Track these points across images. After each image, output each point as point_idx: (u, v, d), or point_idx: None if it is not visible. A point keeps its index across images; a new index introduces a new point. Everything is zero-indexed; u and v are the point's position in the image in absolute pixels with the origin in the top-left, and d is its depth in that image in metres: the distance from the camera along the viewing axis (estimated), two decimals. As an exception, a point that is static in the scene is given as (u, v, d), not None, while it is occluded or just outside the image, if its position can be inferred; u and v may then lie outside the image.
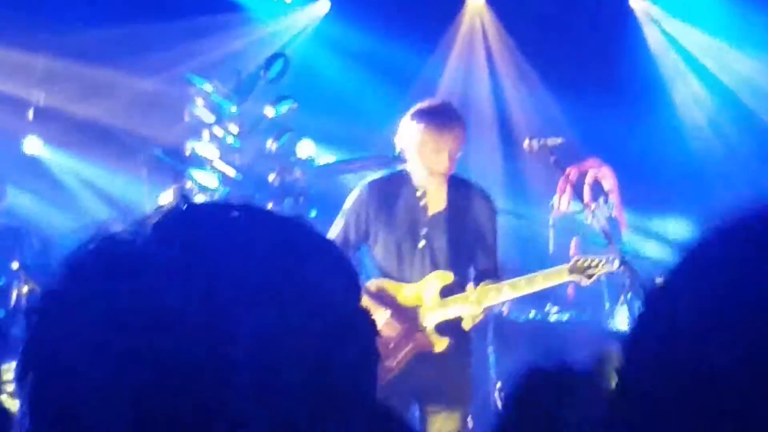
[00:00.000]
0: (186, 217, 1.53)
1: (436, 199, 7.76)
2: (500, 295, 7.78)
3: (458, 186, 7.84)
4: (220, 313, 1.42)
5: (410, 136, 7.60)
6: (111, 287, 1.43)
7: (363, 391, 1.52)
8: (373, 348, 1.55)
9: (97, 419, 1.39)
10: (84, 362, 1.38)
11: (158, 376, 1.38)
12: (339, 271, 1.54)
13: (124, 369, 1.41)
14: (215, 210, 1.66)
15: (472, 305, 7.65)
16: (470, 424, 7.80)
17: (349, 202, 8.00)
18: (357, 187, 8.16)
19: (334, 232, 7.90)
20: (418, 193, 7.69)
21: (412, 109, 7.85)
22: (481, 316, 7.77)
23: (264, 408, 1.43)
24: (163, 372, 1.38)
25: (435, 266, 7.71)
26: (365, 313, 1.56)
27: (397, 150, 8.06)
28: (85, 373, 1.39)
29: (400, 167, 8.10)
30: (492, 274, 7.90)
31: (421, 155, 7.53)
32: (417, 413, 7.55)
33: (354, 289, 1.55)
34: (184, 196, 1.57)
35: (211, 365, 1.39)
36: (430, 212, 7.76)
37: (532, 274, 8.06)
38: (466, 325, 7.70)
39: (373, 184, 7.99)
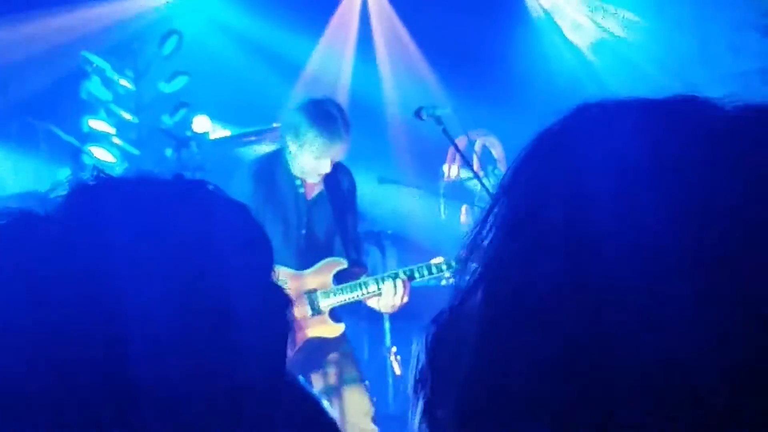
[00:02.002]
0: (86, 193, 1.54)
1: (313, 186, 7.76)
2: (400, 288, 7.53)
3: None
4: (113, 284, 1.43)
5: (299, 135, 7.47)
6: (15, 259, 1.47)
7: (276, 358, 1.56)
8: (284, 316, 1.59)
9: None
10: None
11: (56, 345, 1.41)
12: (252, 236, 1.58)
13: (20, 338, 1.43)
14: (114, 183, 1.63)
15: (371, 297, 7.55)
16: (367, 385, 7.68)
17: (240, 183, 7.86)
18: (245, 167, 8.18)
19: None
20: (297, 182, 7.69)
21: (306, 105, 7.70)
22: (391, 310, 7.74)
23: (158, 381, 1.44)
24: (60, 341, 1.41)
25: (318, 251, 7.72)
26: (277, 287, 1.58)
27: (281, 138, 7.94)
28: None
29: (276, 147, 8.18)
30: (359, 247, 8.09)
31: (307, 158, 7.48)
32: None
33: (267, 253, 1.58)
34: (81, 170, 1.66)
35: (101, 334, 1.41)
36: (310, 198, 7.76)
37: (422, 264, 7.81)
38: (384, 307, 7.65)
39: (258, 166, 7.98)
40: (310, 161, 7.45)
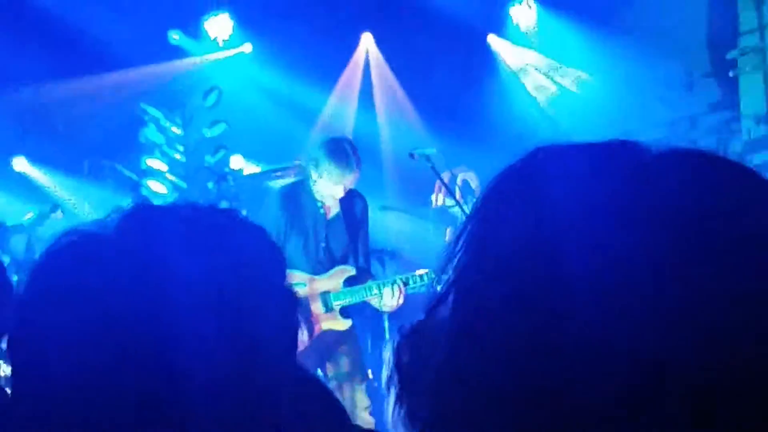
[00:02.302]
0: (142, 215, 1.54)
1: (332, 207, 7.77)
2: (397, 292, 7.69)
3: (346, 194, 7.78)
4: (160, 292, 1.43)
5: (319, 166, 7.54)
6: (81, 276, 1.45)
7: (287, 350, 1.55)
8: (295, 316, 1.60)
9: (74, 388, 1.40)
10: (60, 340, 1.41)
11: (126, 345, 1.39)
12: (270, 253, 1.57)
13: (92, 349, 1.41)
14: (166, 209, 1.66)
15: (374, 298, 7.69)
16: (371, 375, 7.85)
17: (271, 208, 8.04)
18: (273, 196, 8.28)
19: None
20: (318, 204, 7.69)
21: (326, 142, 7.83)
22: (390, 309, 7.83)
23: (202, 360, 1.43)
24: (129, 339, 1.39)
25: (334, 261, 7.78)
26: (289, 292, 1.60)
27: (305, 167, 8.03)
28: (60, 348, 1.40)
29: (300, 176, 8.23)
30: (368, 262, 8.08)
31: (326, 184, 7.54)
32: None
33: (281, 266, 1.59)
34: (140, 200, 1.85)
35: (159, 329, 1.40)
36: (328, 217, 7.76)
37: (413, 274, 8.00)
38: (386, 307, 7.76)
39: (284, 193, 8.04)
40: (328, 187, 7.51)
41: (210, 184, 10.62)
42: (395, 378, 2.70)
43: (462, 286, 1.08)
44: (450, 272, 1.10)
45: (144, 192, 10.37)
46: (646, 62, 11.40)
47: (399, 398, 1.95)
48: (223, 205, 9.22)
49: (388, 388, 2.16)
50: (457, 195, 9.38)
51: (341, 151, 7.61)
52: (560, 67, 12.56)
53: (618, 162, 1.08)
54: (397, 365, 2.65)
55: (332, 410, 2.32)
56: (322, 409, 2.25)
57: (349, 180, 7.58)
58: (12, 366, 1.47)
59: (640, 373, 0.98)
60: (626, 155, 1.09)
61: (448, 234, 9.81)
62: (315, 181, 7.64)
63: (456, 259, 1.10)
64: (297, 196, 7.81)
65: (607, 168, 1.09)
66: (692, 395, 0.97)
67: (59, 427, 1.39)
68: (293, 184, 8.07)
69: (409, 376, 2.57)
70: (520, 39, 12.62)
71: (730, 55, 10.88)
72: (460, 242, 1.10)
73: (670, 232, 1.02)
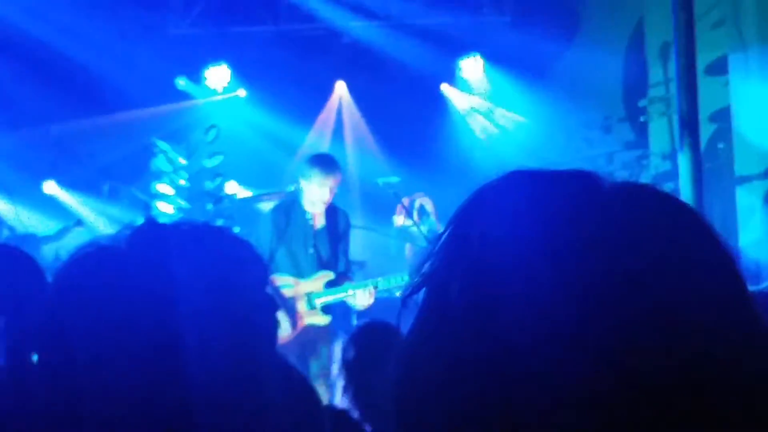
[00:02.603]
0: (150, 231, 1.58)
1: (319, 220, 7.78)
2: (368, 294, 7.73)
3: (331, 210, 7.83)
4: (174, 294, 1.45)
5: (306, 173, 7.61)
6: (96, 281, 1.48)
7: (269, 343, 1.58)
8: (274, 312, 1.65)
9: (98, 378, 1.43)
10: (85, 334, 1.43)
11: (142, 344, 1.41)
12: (255, 262, 1.61)
13: (104, 340, 1.44)
14: (170, 226, 1.68)
15: (350, 297, 7.75)
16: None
17: (263, 225, 8.02)
18: (265, 214, 8.24)
19: (259, 245, 7.15)
20: (308, 216, 7.69)
21: (311, 157, 8.00)
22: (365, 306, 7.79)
23: (206, 358, 1.45)
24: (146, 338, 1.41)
25: (320, 266, 7.77)
26: (270, 295, 1.63)
27: (297, 184, 7.99)
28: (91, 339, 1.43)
29: (292, 196, 8.12)
30: (348, 268, 8.06)
31: (314, 189, 7.54)
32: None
33: (265, 272, 1.65)
34: (150, 217, 1.65)
35: (167, 334, 1.42)
36: (316, 228, 7.77)
37: (384, 277, 8.05)
38: (363, 301, 7.78)
39: (275, 210, 7.98)
40: (316, 189, 7.53)
41: (209, 206, 10.81)
42: (343, 371, 3.26)
43: (433, 283, 1.03)
44: (426, 270, 1.05)
45: (154, 212, 10.44)
46: (572, 108, 11.35)
47: (345, 388, 2.54)
48: (219, 222, 9.68)
49: (338, 378, 2.90)
50: (415, 216, 9.58)
51: (324, 159, 7.81)
52: (500, 111, 12.50)
53: (579, 186, 1.04)
54: (345, 360, 3.29)
55: (305, 390, 2.46)
56: (298, 389, 2.38)
57: (332, 182, 7.65)
58: (38, 350, 1.48)
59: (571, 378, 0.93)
60: (586, 182, 1.05)
61: (408, 249, 10.09)
62: (304, 189, 7.69)
63: (432, 260, 1.05)
64: (289, 211, 7.81)
65: (570, 191, 1.04)
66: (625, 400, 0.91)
67: (76, 402, 1.40)
68: (286, 202, 8.08)
69: (353, 370, 3.13)
70: (467, 87, 12.50)
71: (641, 103, 10.95)
72: (438, 245, 1.05)
73: (621, 252, 0.97)
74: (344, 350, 3.93)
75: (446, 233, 1.03)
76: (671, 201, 1.04)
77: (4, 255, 3.38)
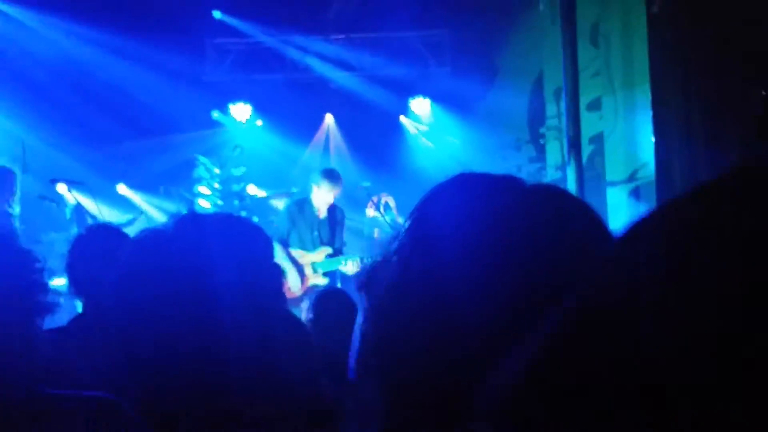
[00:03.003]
0: (191, 218, 1.48)
1: (322, 212, 7.78)
2: (355, 264, 7.74)
3: (331, 206, 7.83)
4: (212, 264, 1.35)
5: (319, 182, 7.64)
6: (149, 258, 1.39)
7: (277, 298, 1.48)
8: (280, 277, 1.56)
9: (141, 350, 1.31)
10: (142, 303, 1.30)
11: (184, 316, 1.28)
12: (266, 242, 1.51)
13: (156, 309, 1.32)
14: (207, 215, 1.58)
15: (344, 267, 7.78)
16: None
17: (281, 217, 7.99)
18: (283, 208, 8.20)
19: (280, 231, 7.71)
20: (315, 210, 7.75)
21: (323, 170, 8.00)
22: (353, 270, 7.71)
23: (233, 310, 1.32)
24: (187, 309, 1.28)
25: (322, 243, 7.80)
26: (276, 264, 1.54)
27: (308, 187, 7.92)
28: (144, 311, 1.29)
29: (304, 195, 8.05)
30: (343, 246, 8.01)
31: (323, 193, 7.63)
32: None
33: (272, 250, 1.53)
34: (192, 210, 1.44)
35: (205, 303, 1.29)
36: (320, 218, 7.80)
37: (366, 255, 8.06)
38: (351, 270, 7.72)
39: (291, 206, 7.91)
40: (324, 194, 7.61)
41: (236, 202, 10.86)
42: (310, 322, 3.40)
43: (401, 254, 0.97)
44: (394, 245, 0.98)
45: (196, 206, 10.27)
46: (492, 133, 11.49)
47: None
48: (243, 214, 9.58)
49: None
50: (381, 210, 9.44)
51: (332, 174, 7.80)
52: (440, 135, 12.48)
53: (508, 184, 0.98)
54: (307, 318, 3.54)
55: (303, 334, 2.38)
56: (297, 333, 2.29)
57: (336, 190, 7.65)
58: (113, 322, 1.34)
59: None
60: (512, 181, 0.99)
61: (376, 233, 10.09)
62: (314, 192, 7.64)
63: (401, 237, 0.98)
64: (302, 206, 7.75)
65: (501, 187, 0.98)
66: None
67: (133, 346, 1.30)
68: (299, 199, 7.98)
69: (320, 323, 3.27)
70: (417, 119, 12.48)
71: (541, 130, 10.96)
72: (405, 227, 0.98)
73: (538, 229, 0.92)
74: (307, 310, 3.79)
75: (411, 219, 0.98)
76: (569, 194, 1.03)
77: (105, 229, 3.38)
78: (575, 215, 0.99)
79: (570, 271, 0.83)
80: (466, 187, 1.01)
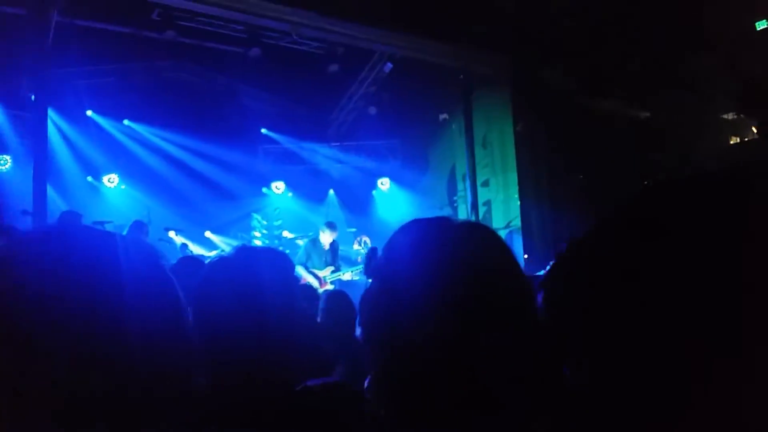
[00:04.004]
0: (247, 248, 1.32)
1: (326, 246, 7.26)
2: (351, 275, 7.46)
3: (332, 241, 7.30)
4: (262, 279, 1.19)
5: (325, 230, 7.30)
6: (213, 276, 1.21)
7: (298, 299, 1.27)
8: (298, 284, 1.37)
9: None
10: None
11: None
12: (291, 265, 1.34)
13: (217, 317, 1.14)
14: (259, 248, 1.37)
15: (342, 276, 7.31)
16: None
17: (302, 250, 7.48)
18: (303, 245, 7.68)
19: (302, 258, 7.37)
20: (322, 245, 7.26)
21: (326, 222, 7.59)
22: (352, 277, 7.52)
23: (278, 306, 1.16)
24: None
25: (327, 264, 7.26)
26: (296, 277, 1.40)
27: (317, 231, 7.54)
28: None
29: (315, 236, 7.56)
30: (340, 265, 7.54)
31: (327, 235, 7.25)
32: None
33: (292, 268, 1.35)
34: (246, 244, 1.48)
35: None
36: (326, 249, 7.27)
37: (354, 268, 7.69)
38: (346, 278, 7.42)
39: (308, 243, 7.46)
40: (327, 236, 7.28)
41: (276, 241, 10.46)
42: (323, 311, 2.92)
43: (379, 273, 0.87)
44: (374, 267, 0.90)
45: (251, 243, 9.83)
46: (425, 199, 11.01)
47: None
48: (280, 248, 8.12)
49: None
50: (362, 244, 9.26)
51: (332, 224, 7.53)
52: (396, 201, 11.51)
53: (442, 223, 0.88)
54: (326, 305, 2.97)
55: (314, 321, 2.20)
56: (310, 319, 2.07)
57: (335, 233, 7.43)
58: (194, 316, 1.05)
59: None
60: (445, 221, 0.89)
61: (359, 258, 9.26)
62: (321, 235, 7.38)
63: (377, 262, 0.89)
64: (315, 243, 7.42)
65: (439, 225, 0.88)
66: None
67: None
68: (313, 239, 7.61)
69: (328, 311, 2.78)
70: (381, 192, 11.69)
71: (454, 198, 10.49)
72: (380, 256, 0.89)
73: (466, 258, 0.82)
74: (321, 302, 3.58)
75: (385, 249, 0.91)
76: (488, 230, 0.93)
77: (193, 260, 2.95)
78: (492, 240, 0.91)
79: (490, 283, 0.75)
80: (414, 228, 0.91)
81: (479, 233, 0.92)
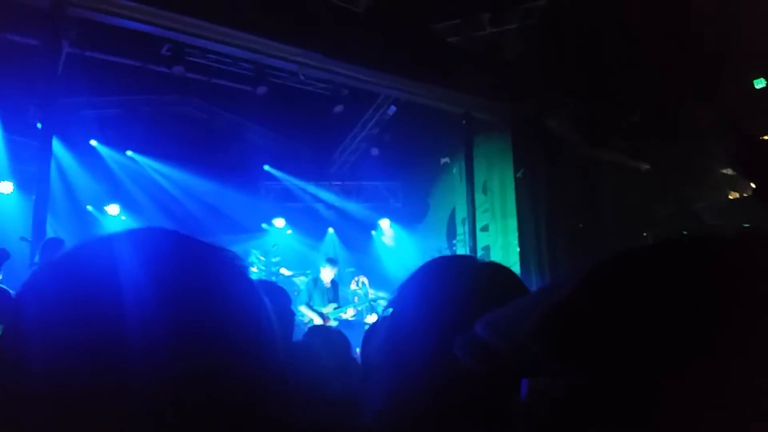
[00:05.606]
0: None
1: (327, 283, 7.42)
2: (350, 311, 7.60)
3: (332, 279, 7.47)
4: (256, 308, 0.79)
5: (326, 266, 7.43)
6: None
7: (289, 332, 1.13)
8: (294, 318, 1.15)
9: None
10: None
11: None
12: (288, 299, 1.16)
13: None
14: (257, 281, 0.96)
15: (346, 315, 7.47)
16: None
17: (304, 289, 7.66)
18: (305, 283, 7.89)
19: (304, 297, 7.43)
20: (323, 283, 7.42)
21: (328, 257, 7.81)
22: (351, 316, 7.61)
23: (271, 335, 0.78)
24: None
25: (329, 301, 7.43)
26: (292, 310, 1.16)
27: (318, 269, 7.65)
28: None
29: (316, 273, 7.69)
30: (339, 302, 7.66)
31: (327, 272, 7.38)
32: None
33: (289, 303, 1.13)
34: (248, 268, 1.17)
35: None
36: (327, 287, 7.45)
37: (354, 305, 7.96)
38: (348, 316, 7.52)
39: (309, 282, 7.60)
40: (328, 273, 7.39)
41: (273, 277, 9.68)
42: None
43: (394, 311, 0.83)
44: (390, 305, 0.87)
45: (251, 273, 7.88)
46: (425, 242, 10.87)
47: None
48: (277, 282, 7.08)
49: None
50: (359, 284, 9.42)
51: (333, 260, 7.72)
52: (395, 242, 11.74)
53: (466, 260, 0.88)
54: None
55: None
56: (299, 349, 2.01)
57: (335, 270, 7.55)
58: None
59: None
60: (469, 258, 0.89)
61: (356, 298, 9.38)
62: (323, 272, 7.52)
63: (390, 303, 0.86)
64: (316, 281, 7.56)
65: (464, 263, 0.87)
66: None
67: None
68: (314, 277, 7.69)
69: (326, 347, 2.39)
70: (381, 232, 11.82)
71: (454, 242, 10.49)
72: (393, 298, 0.86)
73: (483, 293, 0.80)
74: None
75: (396, 294, 0.88)
76: (503, 266, 0.91)
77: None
78: (512, 279, 0.90)
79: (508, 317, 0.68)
80: (427, 272, 0.88)
81: (504, 273, 0.90)
